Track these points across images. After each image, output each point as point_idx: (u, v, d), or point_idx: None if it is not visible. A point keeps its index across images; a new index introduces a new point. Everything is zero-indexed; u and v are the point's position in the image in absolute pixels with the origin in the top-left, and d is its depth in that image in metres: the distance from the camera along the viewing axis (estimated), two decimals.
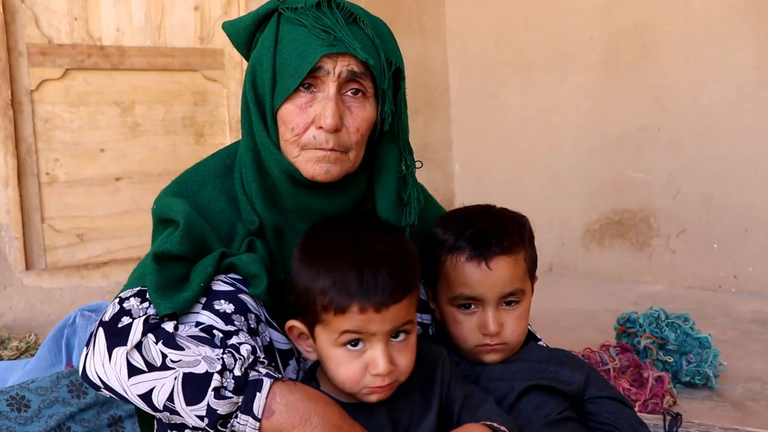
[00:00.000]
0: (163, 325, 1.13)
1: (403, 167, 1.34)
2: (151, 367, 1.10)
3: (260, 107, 1.30)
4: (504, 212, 1.34)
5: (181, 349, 1.10)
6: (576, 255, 3.76)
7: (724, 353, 2.10)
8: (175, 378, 1.08)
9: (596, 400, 1.29)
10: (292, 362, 1.26)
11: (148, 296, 1.18)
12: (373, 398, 1.11)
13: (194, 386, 1.07)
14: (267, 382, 1.06)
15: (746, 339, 2.49)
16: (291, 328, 1.14)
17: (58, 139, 3.10)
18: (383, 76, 1.27)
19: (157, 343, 1.11)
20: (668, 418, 1.70)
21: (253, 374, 1.07)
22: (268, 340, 1.21)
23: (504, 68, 3.99)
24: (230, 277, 1.21)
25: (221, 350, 1.09)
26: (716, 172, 3.21)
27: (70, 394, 1.52)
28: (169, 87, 3.37)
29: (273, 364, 1.19)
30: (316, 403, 1.07)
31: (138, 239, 3.18)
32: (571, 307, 3.03)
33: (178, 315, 1.16)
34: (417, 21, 4.12)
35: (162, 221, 1.30)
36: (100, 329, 1.15)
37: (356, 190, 1.33)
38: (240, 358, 1.08)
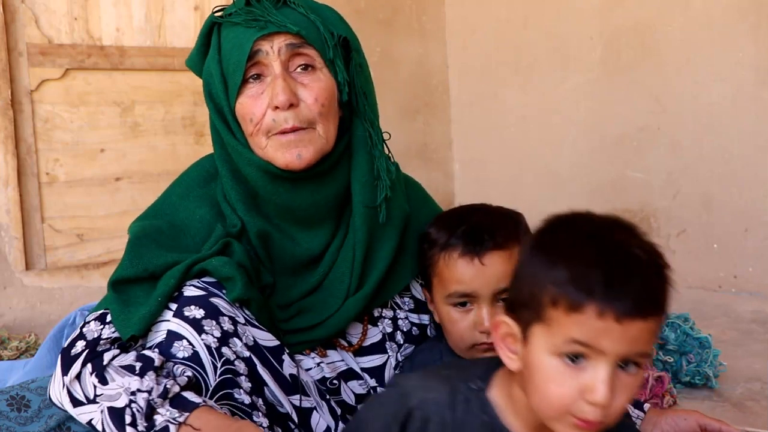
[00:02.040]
0: (105, 353, 1.14)
1: (369, 142, 1.32)
2: (88, 400, 1.13)
3: (221, 114, 1.31)
4: (498, 209, 1.34)
5: (107, 382, 1.11)
6: None
7: (724, 353, 2.10)
8: (102, 411, 1.10)
9: None
10: (285, 357, 1.25)
11: (108, 318, 1.20)
12: None
13: (117, 418, 1.08)
14: (172, 429, 1.04)
15: (746, 339, 2.49)
16: (499, 324, 0.96)
17: (58, 139, 3.10)
18: (326, 45, 1.27)
19: (91, 374, 1.13)
20: None
21: (159, 422, 1.05)
22: (252, 340, 1.20)
23: (504, 68, 3.98)
24: (203, 281, 1.20)
25: (138, 384, 1.08)
26: (716, 172, 3.21)
27: None
28: (169, 87, 3.37)
29: (243, 375, 1.18)
30: None
31: None
32: None
33: (138, 337, 1.17)
34: (417, 21, 4.11)
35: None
36: (59, 354, 1.19)
37: (338, 181, 1.32)
38: (139, 410, 1.06)
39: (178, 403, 1.06)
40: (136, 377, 1.09)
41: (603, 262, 0.87)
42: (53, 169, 3.09)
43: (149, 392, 1.07)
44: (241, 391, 1.15)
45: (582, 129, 3.68)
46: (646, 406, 1.43)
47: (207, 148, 3.42)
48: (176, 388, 1.08)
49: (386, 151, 1.37)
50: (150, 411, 1.06)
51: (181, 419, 1.04)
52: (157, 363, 1.11)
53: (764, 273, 3.08)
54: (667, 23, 3.33)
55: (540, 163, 3.87)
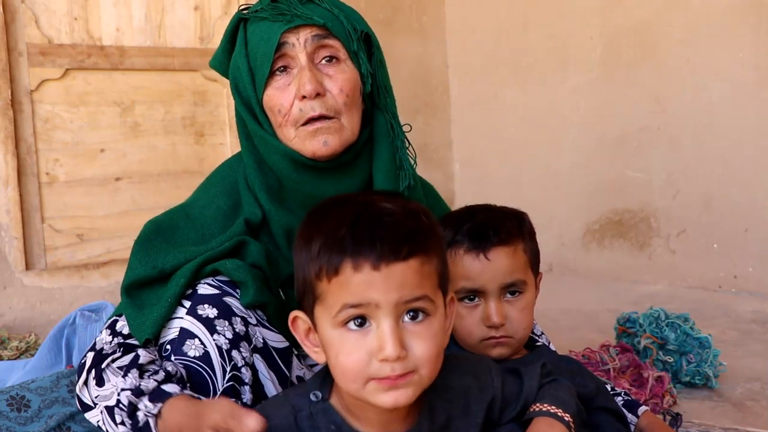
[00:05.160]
0: (108, 358, 1.17)
1: (391, 133, 1.34)
2: (94, 404, 1.17)
3: (248, 107, 1.33)
4: (502, 208, 1.37)
5: (103, 383, 1.14)
6: (576, 255, 3.76)
7: (724, 353, 2.10)
8: (101, 412, 1.14)
9: (602, 412, 1.30)
10: (294, 360, 1.26)
11: (116, 328, 1.23)
12: (388, 400, 0.88)
13: (111, 417, 1.12)
14: (152, 423, 1.06)
15: (746, 339, 2.49)
16: (295, 320, 0.98)
17: (58, 139, 3.10)
18: (350, 38, 1.30)
19: (93, 378, 1.16)
20: (668, 418, 1.71)
21: (140, 419, 1.07)
22: (261, 341, 1.21)
23: (504, 68, 3.99)
24: (217, 280, 1.21)
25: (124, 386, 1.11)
26: (716, 172, 3.21)
27: (70, 394, 1.52)
28: (169, 87, 3.37)
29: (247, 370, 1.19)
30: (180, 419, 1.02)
31: None
32: (571, 307, 3.03)
33: (151, 340, 1.19)
34: (417, 21, 4.11)
35: None
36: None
37: (361, 172, 1.34)
38: (123, 408, 1.09)
39: (156, 396, 1.07)
40: (121, 377, 1.11)
41: (348, 221, 0.89)
42: (53, 169, 3.09)
43: (131, 390, 1.09)
44: (241, 403, 1.15)
45: (582, 129, 3.69)
46: (641, 409, 1.42)
47: (207, 148, 3.44)
48: (152, 384, 1.08)
49: (407, 143, 1.40)
50: (132, 409, 1.07)
51: (155, 411, 1.05)
52: (142, 360, 1.12)
53: (764, 273, 3.08)
54: (667, 23, 3.33)
55: (540, 163, 3.87)
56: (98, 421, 1.15)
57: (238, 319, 1.18)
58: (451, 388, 0.95)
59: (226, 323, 1.17)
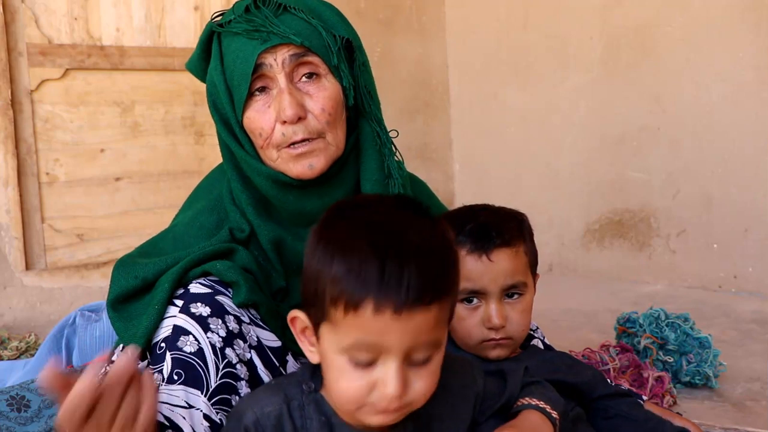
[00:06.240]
0: None
1: (378, 141, 1.31)
2: None
3: (227, 126, 1.30)
4: (502, 209, 1.36)
5: None
6: (576, 255, 3.76)
7: (724, 353, 2.10)
8: None
9: (607, 398, 1.30)
10: (289, 358, 1.26)
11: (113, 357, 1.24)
12: (375, 421, 0.90)
13: None
14: None
15: (746, 339, 2.49)
16: (294, 319, 0.96)
17: (58, 139, 3.10)
18: (330, 52, 1.25)
19: None
20: None
21: None
22: (255, 340, 1.21)
23: (504, 68, 3.98)
24: (209, 279, 1.20)
25: None
26: (716, 172, 3.21)
27: None
28: (169, 87, 3.37)
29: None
30: None
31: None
32: (571, 307, 3.03)
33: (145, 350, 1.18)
34: (417, 21, 4.11)
35: None
36: None
37: (346, 182, 1.32)
38: None
39: None
40: None
41: (374, 254, 0.84)
42: (53, 169, 3.09)
43: None
44: (237, 398, 1.15)
45: (582, 129, 3.68)
46: (644, 397, 1.44)
47: (207, 148, 3.44)
48: None
49: (394, 149, 1.36)
50: None
51: None
52: None
53: (764, 273, 3.08)
54: (667, 23, 3.33)
55: (540, 163, 3.87)
56: None
57: (231, 318, 1.18)
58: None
59: (220, 321, 1.16)
